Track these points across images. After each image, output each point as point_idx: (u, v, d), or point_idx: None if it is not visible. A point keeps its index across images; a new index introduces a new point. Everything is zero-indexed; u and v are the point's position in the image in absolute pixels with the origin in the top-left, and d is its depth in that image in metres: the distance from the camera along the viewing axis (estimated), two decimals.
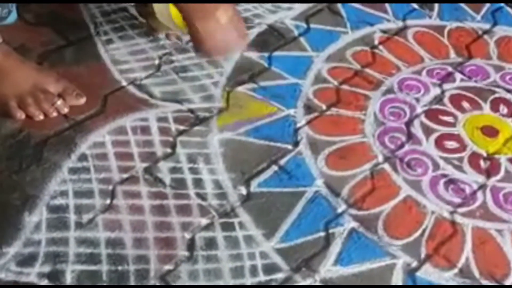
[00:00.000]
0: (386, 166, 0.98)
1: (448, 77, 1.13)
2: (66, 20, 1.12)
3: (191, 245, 0.86)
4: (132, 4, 1.17)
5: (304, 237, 0.88)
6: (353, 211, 0.92)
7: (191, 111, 1.02)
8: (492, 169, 1.00)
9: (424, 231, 0.91)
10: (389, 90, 1.10)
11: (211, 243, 0.86)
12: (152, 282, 0.82)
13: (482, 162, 1.01)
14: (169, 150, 0.96)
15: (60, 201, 0.88)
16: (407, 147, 1.01)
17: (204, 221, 0.89)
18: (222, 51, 1.01)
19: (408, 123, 1.05)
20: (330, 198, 0.93)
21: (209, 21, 0.93)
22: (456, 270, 0.87)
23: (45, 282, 0.80)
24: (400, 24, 1.22)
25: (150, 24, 1.10)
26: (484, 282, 0.86)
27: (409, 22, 1.22)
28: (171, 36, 1.11)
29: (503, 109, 1.09)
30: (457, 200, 0.95)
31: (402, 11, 1.24)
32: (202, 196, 0.91)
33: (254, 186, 0.93)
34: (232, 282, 0.83)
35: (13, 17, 0.96)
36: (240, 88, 1.06)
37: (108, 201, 0.89)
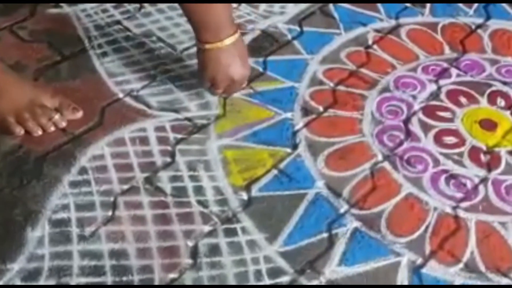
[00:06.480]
0: (386, 164, 0.98)
1: (443, 73, 1.13)
2: (60, 36, 1.13)
3: (194, 253, 0.86)
4: (125, 17, 1.17)
5: (307, 239, 0.88)
6: (355, 211, 0.92)
7: (188, 119, 1.02)
8: (492, 162, 1.00)
9: (427, 227, 0.91)
10: (385, 89, 1.10)
11: (214, 250, 0.86)
12: None
13: (482, 156, 1.01)
14: (168, 159, 0.96)
15: (62, 215, 0.88)
16: (406, 145, 1.01)
17: (206, 228, 0.89)
18: (225, 77, 1.00)
19: (406, 121, 1.05)
20: (332, 199, 0.93)
21: (215, 42, 0.96)
22: (461, 265, 0.87)
23: None
24: (393, 22, 1.22)
25: None
26: (490, 275, 0.86)
27: (402, 20, 1.22)
28: None
29: (501, 102, 1.09)
30: (459, 195, 0.95)
31: (395, 9, 1.24)
32: (203, 203, 0.91)
33: (255, 191, 0.93)
34: None
35: None
36: (237, 94, 1.06)
37: (110, 213, 0.89)
